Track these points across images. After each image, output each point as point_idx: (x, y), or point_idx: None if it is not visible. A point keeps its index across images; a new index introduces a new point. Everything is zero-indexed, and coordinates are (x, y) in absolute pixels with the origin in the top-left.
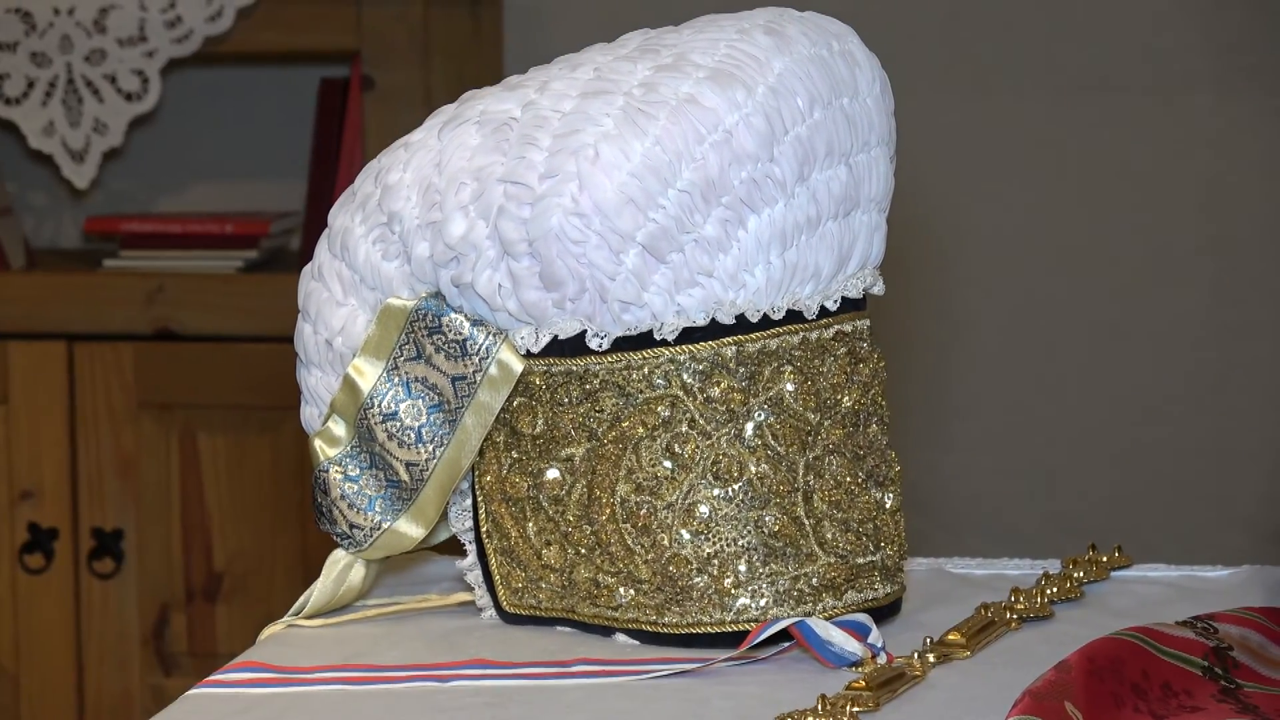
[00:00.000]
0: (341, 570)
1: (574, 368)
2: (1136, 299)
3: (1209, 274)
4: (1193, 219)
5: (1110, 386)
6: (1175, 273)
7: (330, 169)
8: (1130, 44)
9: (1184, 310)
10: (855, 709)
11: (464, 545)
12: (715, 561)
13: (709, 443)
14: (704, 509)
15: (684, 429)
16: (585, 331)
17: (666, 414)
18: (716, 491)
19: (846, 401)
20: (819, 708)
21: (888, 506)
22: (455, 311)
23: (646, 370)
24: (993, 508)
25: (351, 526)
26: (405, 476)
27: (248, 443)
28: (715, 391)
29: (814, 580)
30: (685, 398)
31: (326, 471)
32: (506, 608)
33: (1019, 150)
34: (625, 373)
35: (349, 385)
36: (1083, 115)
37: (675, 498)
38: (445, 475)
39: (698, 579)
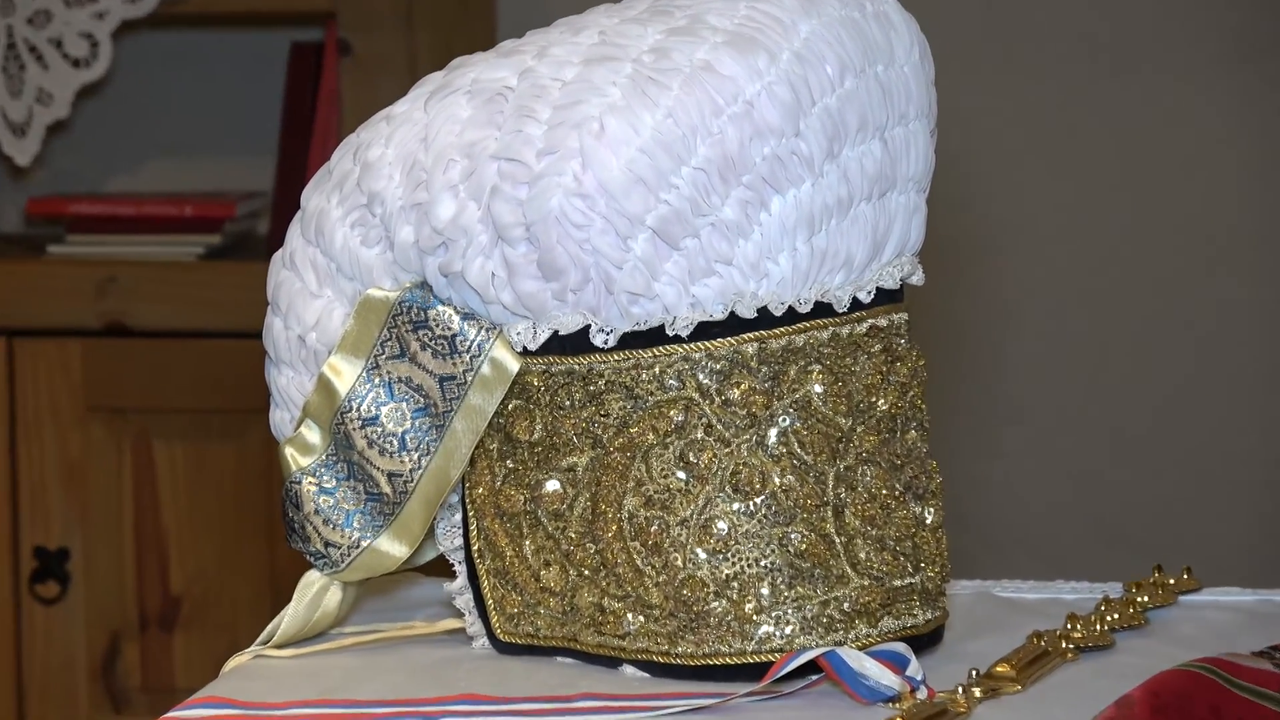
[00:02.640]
0: (315, 594)
1: (576, 367)
2: (1203, 291)
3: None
4: (1254, 202)
5: (1177, 387)
6: (1243, 262)
7: (303, 144)
8: (1178, 19)
9: (1256, 302)
10: None
11: (453, 566)
12: (735, 584)
13: (727, 451)
14: (722, 525)
15: (699, 435)
16: (589, 326)
17: (680, 419)
18: (736, 505)
19: (882, 404)
20: None
21: (928, 522)
22: (443, 304)
23: (657, 370)
24: (1046, 524)
25: (327, 545)
26: (387, 489)
27: (209, 451)
28: (735, 394)
29: (845, 605)
30: (701, 401)
31: (299, 483)
32: (501, 636)
33: (1067, 128)
34: (634, 373)
35: (324, 386)
36: (1132, 93)
37: (690, 513)
38: (432, 487)
39: (715, 604)
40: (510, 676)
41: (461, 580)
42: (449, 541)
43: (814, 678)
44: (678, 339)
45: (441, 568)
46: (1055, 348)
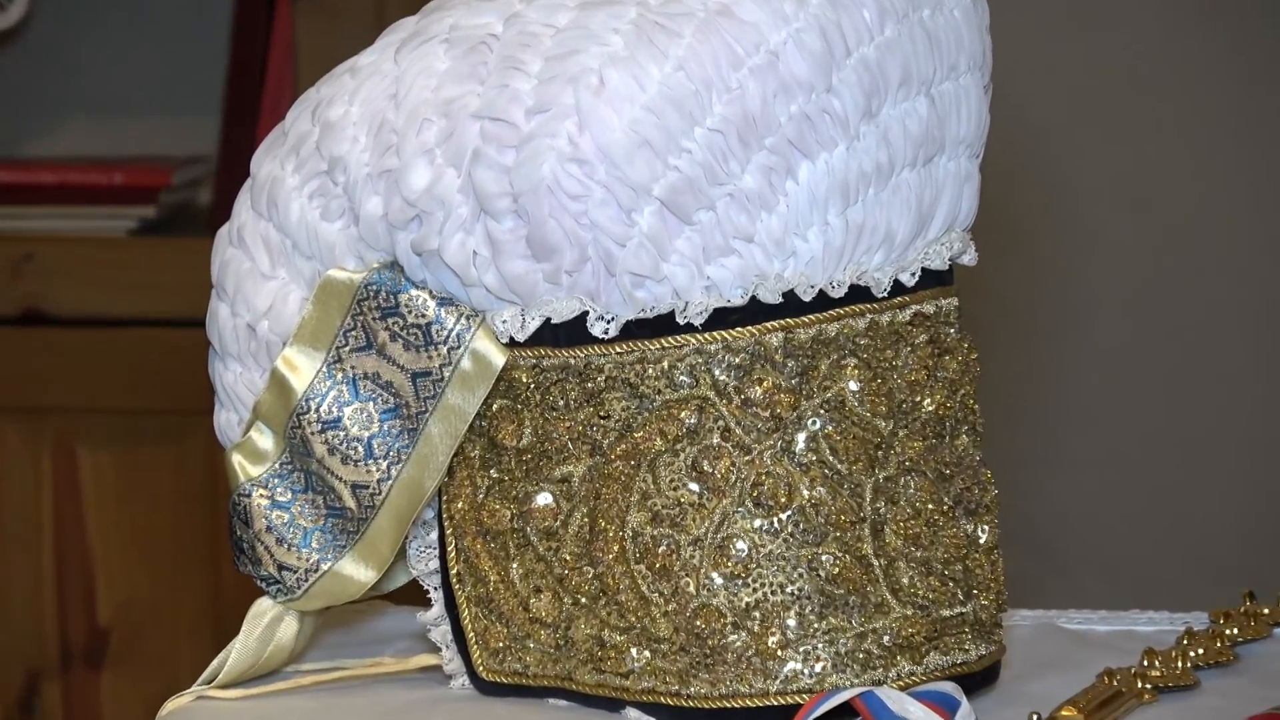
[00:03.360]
0: (267, 626)
1: (572, 361)
2: None
3: None
4: None
5: (1272, 389)
6: None
7: (252, 102)
8: None
9: None
10: None
11: (428, 593)
12: (756, 614)
13: (748, 459)
14: (741, 545)
15: (715, 441)
16: (586, 314)
17: (692, 422)
18: (758, 522)
19: (928, 405)
20: None
21: (982, 542)
22: (417, 288)
23: (666, 364)
24: (1119, 545)
25: (281, 568)
26: (351, 503)
27: (143, 458)
28: (756, 392)
29: (885, 638)
30: (717, 400)
31: (248, 496)
32: (484, 674)
33: (1143, 83)
34: (639, 368)
35: (278, 384)
36: (1217, 42)
37: (704, 531)
38: (404, 501)
39: (733, 636)
40: (492, 718)
41: (438, 610)
42: (423, 564)
43: None
44: (690, 328)
45: (415, 595)
46: (1130, 342)
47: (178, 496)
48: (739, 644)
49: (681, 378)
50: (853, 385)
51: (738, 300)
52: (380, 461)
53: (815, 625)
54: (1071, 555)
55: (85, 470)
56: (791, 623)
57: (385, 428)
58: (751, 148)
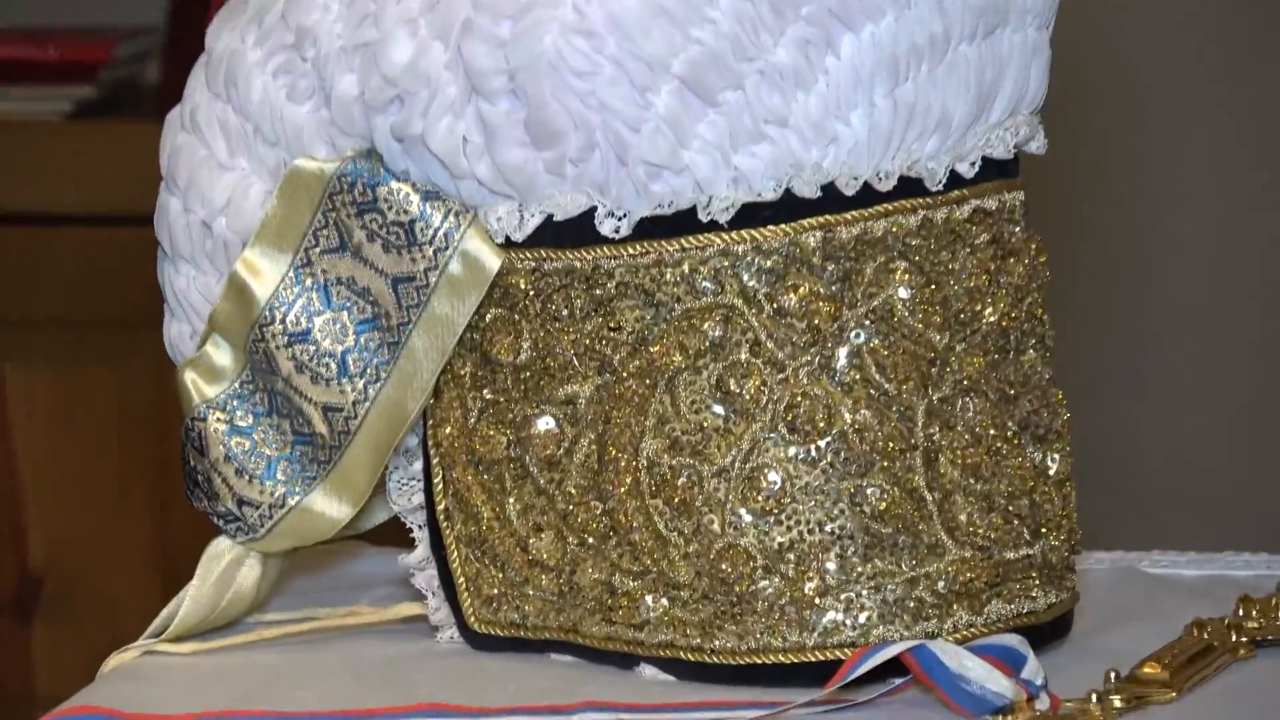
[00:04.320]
0: (226, 569)
1: (578, 264)
2: None
3: None
4: None
5: None
6: None
7: None
8: None
9: None
10: None
11: (411, 532)
12: (791, 556)
13: (781, 377)
14: (774, 477)
15: (743, 357)
16: (595, 209)
17: (718, 334)
18: (793, 450)
19: (989, 315)
20: None
21: (1051, 473)
22: (398, 180)
23: (687, 268)
24: (1210, 478)
25: (241, 504)
26: (323, 428)
27: (82, 377)
28: (791, 300)
29: (940, 584)
30: (745, 309)
31: (204, 420)
32: (475, 625)
33: None
34: (655, 271)
35: (237, 290)
36: None
37: (730, 460)
38: (383, 426)
39: (764, 582)
40: (487, 680)
41: (422, 551)
42: (405, 499)
43: (897, 681)
44: (714, 226)
45: (396, 535)
46: (1227, 242)
47: (121, 421)
48: (770, 591)
49: (704, 283)
50: (902, 292)
51: (770, 194)
52: (356, 380)
53: (859, 569)
54: (1156, 489)
55: (14, 391)
56: (831, 566)
57: (361, 341)
58: (786, 18)
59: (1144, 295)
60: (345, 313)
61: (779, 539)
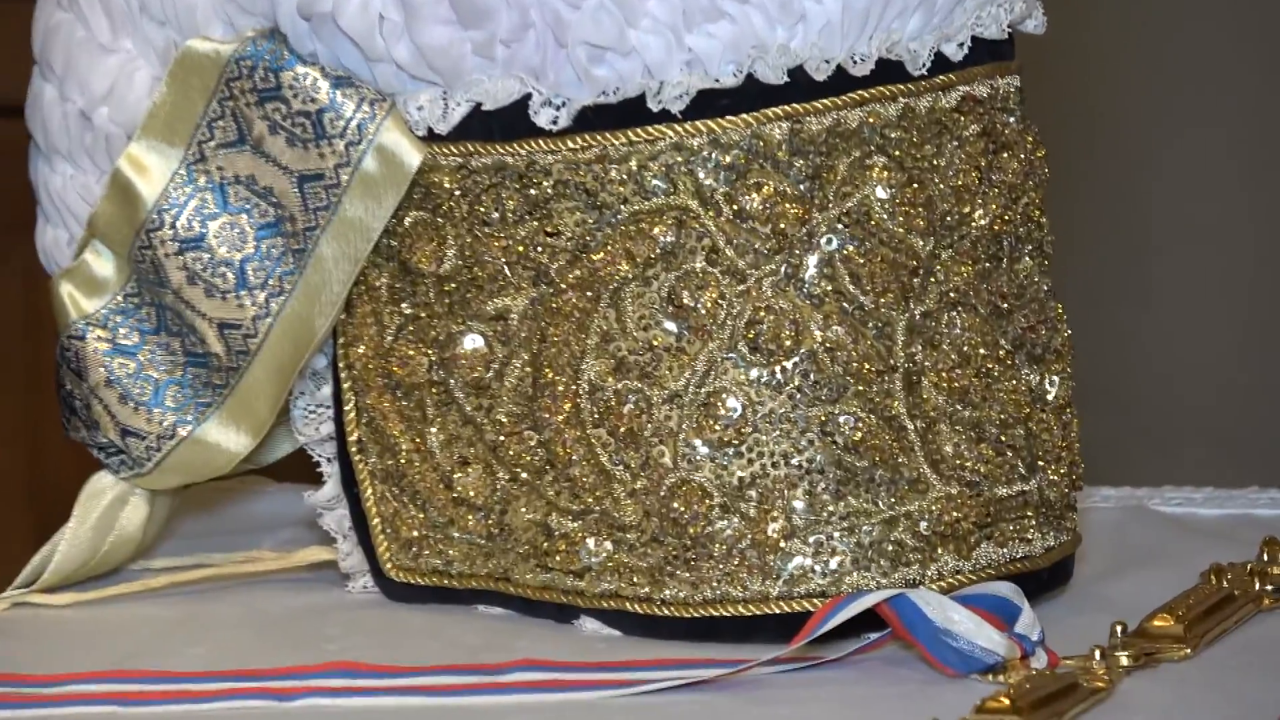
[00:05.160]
0: (108, 509)
1: (510, 160)
2: None
3: None
4: None
5: None
6: None
7: None
8: None
9: None
10: None
11: (319, 467)
12: (753, 493)
13: (742, 289)
14: (733, 403)
15: (699, 265)
16: (529, 97)
17: (669, 240)
18: (755, 373)
19: (979, 218)
20: None
21: (1050, 398)
22: (304, 63)
23: (635, 164)
24: (1229, 403)
25: (125, 434)
26: (218, 348)
27: None
28: (754, 201)
29: (923, 525)
30: (702, 212)
31: (82, 339)
32: (392, 573)
33: None
34: (598, 169)
35: (121, 190)
36: None
37: (684, 383)
38: (287, 346)
39: (722, 523)
40: (407, 635)
41: (332, 488)
42: (312, 429)
43: (873, 636)
44: (666, 117)
45: (302, 470)
46: (1249, 126)
47: None
48: (729, 533)
49: (654, 182)
50: (880, 192)
51: (729, 80)
52: (256, 293)
53: (830, 508)
54: (1168, 416)
55: None
56: (799, 504)
57: (263, 248)
58: None
59: (1155, 194)
60: (244, 216)
61: (739, 473)
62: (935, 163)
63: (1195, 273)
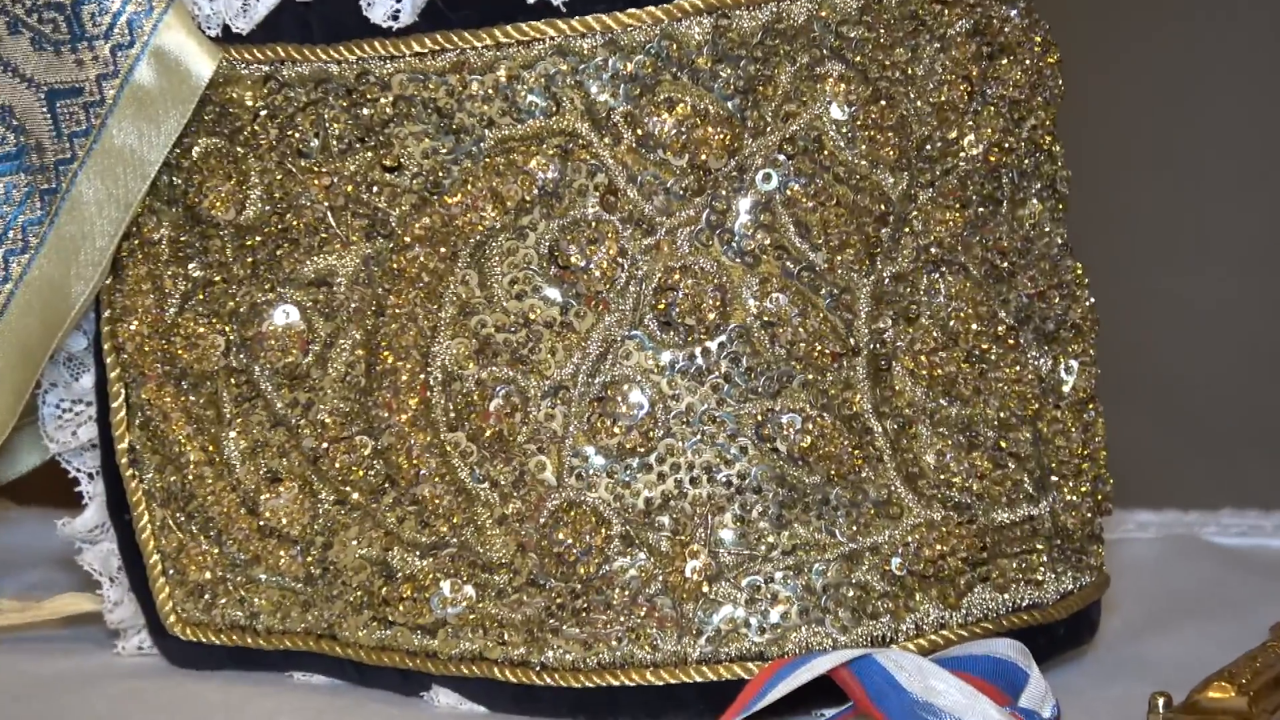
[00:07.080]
0: None
1: (335, 69)
2: None
3: None
4: None
5: None
6: None
7: None
8: None
9: None
10: None
11: (78, 485)
12: (665, 520)
13: (650, 243)
14: (638, 397)
15: (591, 211)
16: None
17: (551, 176)
18: (668, 356)
19: (970, 145)
20: None
21: (1067, 390)
22: None
23: (504, 75)
24: None
25: None
26: None
27: None
28: (665, 124)
29: (895, 563)
30: (596, 138)
31: None
32: (177, 628)
33: None
34: (454, 80)
35: None
36: None
37: (571, 371)
38: (32, 321)
39: (624, 560)
40: (196, 716)
41: (95, 514)
42: (67, 433)
43: (829, 715)
44: (547, 9)
45: (55, 489)
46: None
47: None
48: (634, 573)
49: (530, 98)
50: (836, 111)
51: None
52: None
53: (769, 539)
54: (1227, 419)
55: None
56: (727, 535)
57: (2, 190)
58: None
59: (1202, 128)
60: None
61: (646, 493)
62: (910, 71)
63: (1249, 236)
